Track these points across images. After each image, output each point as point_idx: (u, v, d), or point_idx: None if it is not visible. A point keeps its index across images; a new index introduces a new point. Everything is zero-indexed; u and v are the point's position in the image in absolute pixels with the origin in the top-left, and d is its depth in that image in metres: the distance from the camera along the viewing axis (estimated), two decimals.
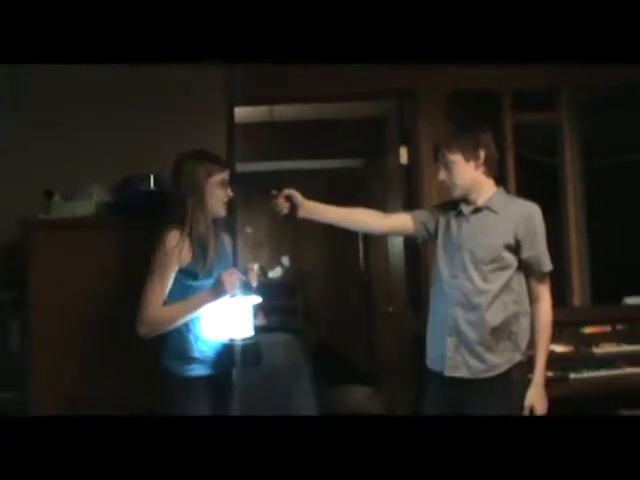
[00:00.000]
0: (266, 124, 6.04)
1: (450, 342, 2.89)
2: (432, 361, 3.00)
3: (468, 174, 2.92)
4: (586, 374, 3.71)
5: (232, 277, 2.78)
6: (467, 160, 2.91)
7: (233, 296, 2.79)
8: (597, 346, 3.96)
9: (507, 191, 3.21)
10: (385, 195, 5.54)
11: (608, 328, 4.08)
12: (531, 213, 2.92)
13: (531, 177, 4.47)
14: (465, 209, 2.97)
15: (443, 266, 2.97)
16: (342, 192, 7.23)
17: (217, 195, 2.90)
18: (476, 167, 2.92)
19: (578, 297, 4.46)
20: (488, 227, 2.91)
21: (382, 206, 5.25)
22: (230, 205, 3.02)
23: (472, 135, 2.92)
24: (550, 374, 3.64)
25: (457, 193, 2.97)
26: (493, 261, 2.86)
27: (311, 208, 3.03)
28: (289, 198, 2.98)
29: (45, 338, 3.37)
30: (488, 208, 2.93)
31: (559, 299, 4.44)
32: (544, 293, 2.96)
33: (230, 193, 2.96)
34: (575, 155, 4.61)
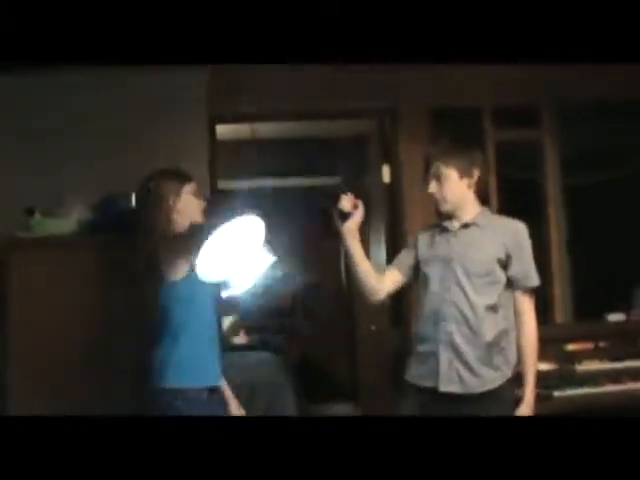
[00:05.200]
0: (248, 141, 6.02)
1: (443, 357, 2.86)
2: (420, 378, 2.94)
3: (459, 191, 2.91)
4: (569, 392, 3.69)
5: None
6: (461, 177, 2.90)
7: None
8: (580, 363, 3.94)
9: (490, 209, 3.21)
10: (367, 213, 5.52)
11: (591, 345, 4.06)
12: (518, 229, 2.94)
13: (512, 194, 4.49)
14: (451, 225, 2.96)
15: (433, 281, 2.94)
16: (323, 210, 7.27)
17: (190, 206, 2.90)
18: (469, 186, 2.93)
19: (560, 314, 4.48)
20: (478, 242, 2.91)
21: (364, 224, 5.25)
22: (205, 214, 2.98)
23: (469, 153, 2.94)
24: None
25: (445, 208, 2.95)
26: (486, 275, 2.86)
27: (352, 232, 2.98)
28: (356, 207, 2.95)
29: (26, 356, 3.34)
30: (475, 224, 2.93)
31: (542, 316, 4.46)
32: (530, 309, 2.96)
33: (202, 204, 2.94)
34: (556, 172, 4.63)
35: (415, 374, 2.98)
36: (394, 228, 4.59)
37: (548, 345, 3.95)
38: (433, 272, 2.96)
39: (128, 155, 3.96)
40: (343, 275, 7.53)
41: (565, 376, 3.84)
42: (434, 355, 2.89)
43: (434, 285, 2.94)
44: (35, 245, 3.44)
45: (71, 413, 3.10)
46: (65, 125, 3.98)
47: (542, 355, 3.86)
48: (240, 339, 6.50)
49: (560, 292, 4.49)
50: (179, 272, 2.80)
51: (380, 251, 5.22)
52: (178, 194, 2.88)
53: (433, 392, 2.87)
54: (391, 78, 4.18)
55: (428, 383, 2.91)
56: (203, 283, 2.82)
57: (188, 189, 2.92)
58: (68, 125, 3.98)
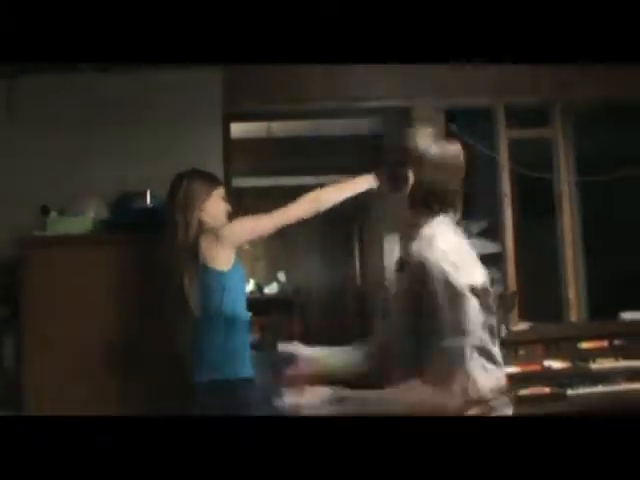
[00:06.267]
0: (264, 140, 6.03)
1: None
2: None
3: None
4: (583, 390, 3.69)
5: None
6: None
7: None
8: (594, 361, 3.94)
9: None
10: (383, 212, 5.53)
11: (605, 343, 4.06)
12: None
13: (527, 193, 4.48)
14: None
15: None
16: (339, 209, 7.25)
17: (218, 209, 2.97)
18: None
19: (575, 312, 4.45)
20: None
21: (378, 224, 5.25)
22: (230, 219, 3.05)
23: None
24: (547, 390, 3.64)
25: None
26: None
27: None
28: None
29: (39, 355, 3.34)
30: None
31: (556, 314, 4.47)
32: None
33: (228, 208, 3.00)
34: (570, 170, 4.61)
35: None
36: None
37: (562, 343, 3.98)
38: None
39: (143, 154, 3.98)
40: (357, 271, 7.54)
41: (579, 374, 3.84)
42: None
43: None
44: (51, 244, 3.46)
45: (83, 411, 3.17)
46: (80, 124, 4.00)
47: (556, 353, 3.92)
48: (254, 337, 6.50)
49: (574, 290, 4.47)
50: (225, 263, 2.91)
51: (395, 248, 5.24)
52: (208, 196, 2.98)
53: None
54: (406, 77, 4.19)
55: None
56: (243, 273, 3.05)
57: (218, 192, 3.02)
58: (83, 124, 4.00)
